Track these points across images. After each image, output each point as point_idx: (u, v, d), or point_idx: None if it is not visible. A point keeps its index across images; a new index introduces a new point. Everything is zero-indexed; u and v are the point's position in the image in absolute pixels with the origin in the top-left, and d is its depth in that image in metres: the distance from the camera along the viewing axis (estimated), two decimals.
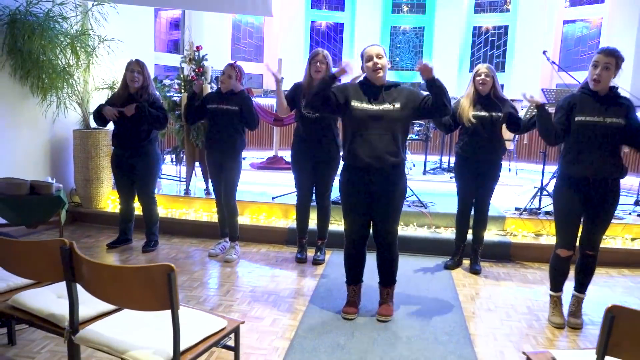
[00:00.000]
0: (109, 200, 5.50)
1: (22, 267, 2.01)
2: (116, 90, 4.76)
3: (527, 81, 8.47)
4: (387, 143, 3.05)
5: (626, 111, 3.06)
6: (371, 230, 3.31)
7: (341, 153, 4.32)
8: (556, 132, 3.15)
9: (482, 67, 3.99)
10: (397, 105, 3.08)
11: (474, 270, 4.25)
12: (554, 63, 5.24)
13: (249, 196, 5.37)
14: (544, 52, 5.33)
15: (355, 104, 3.10)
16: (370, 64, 3.11)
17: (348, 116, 3.13)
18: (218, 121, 4.21)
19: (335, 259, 4.43)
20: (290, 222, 5.05)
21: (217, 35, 8.29)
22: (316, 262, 4.33)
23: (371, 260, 3.41)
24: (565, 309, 3.39)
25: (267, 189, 5.78)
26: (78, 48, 4.90)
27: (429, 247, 4.68)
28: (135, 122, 4.27)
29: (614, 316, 1.48)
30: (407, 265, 4.29)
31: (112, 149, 4.50)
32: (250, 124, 4.21)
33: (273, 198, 5.35)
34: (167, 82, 6.01)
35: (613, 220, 4.44)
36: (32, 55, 4.66)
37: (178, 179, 6.19)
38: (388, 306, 3.34)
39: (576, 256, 3.33)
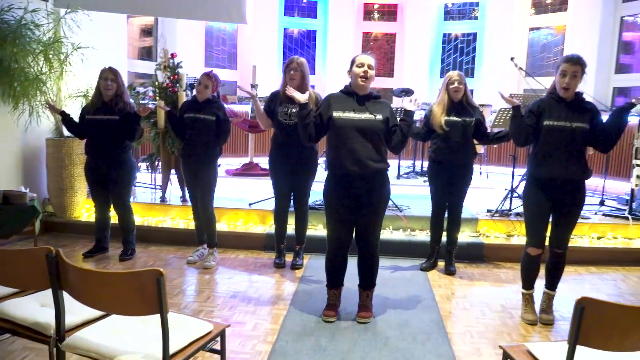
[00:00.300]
0: (83, 210, 5.45)
1: (6, 275, 2.00)
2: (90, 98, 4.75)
3: (496, 86, 8.68)
4: (370, 150, 3.12)
5: (591, 116, 3.21)
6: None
7: (319, 159, 4.41)
8: (527, 135, 3.28)
9: (455, 75, 4.11)
10: (379, 117, 3.16)
11: (449, 271, 4.36)
12: (522, 69, 5.40)
13: (225, 203, 5.38)
14: (512, 59, 5.49)
15: (337, 114, 3.16)
16: (360, 70, 3.16)
17: (331, 126, 3.20)
18: (194, 130, 4.23)
19: (313, 264, 4.48)
20: (267, 228, 5.09)
21: (190, 42, 8.29)
22: (295, 267, 4.37)
23: (349, 263, 3.47)
24: (537, 306, 3.52)
25: (243, 195, 5.80)
26: (51, 56, 4.85)
27: (404, 250, 4.77)
28: (108, 130, 4.26)
29: (584, 307, 1.58)
30: (384, 267, 4.36)
31: (86, 158, 4.47)
32: (220, 139, 4.25)
33: (250, 204, 5.38)
34: (140, 89, 6.00)
35: (580, 220, 4.63)
36: (4, 63, 4.61)
37: (153, 186, 6.16)
38: (367, 308, 3.41)
39: (546, 255, 3.46)
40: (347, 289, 3.57)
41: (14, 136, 5.02)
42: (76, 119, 4.44)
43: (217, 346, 2.15)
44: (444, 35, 9.67)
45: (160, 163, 5.67)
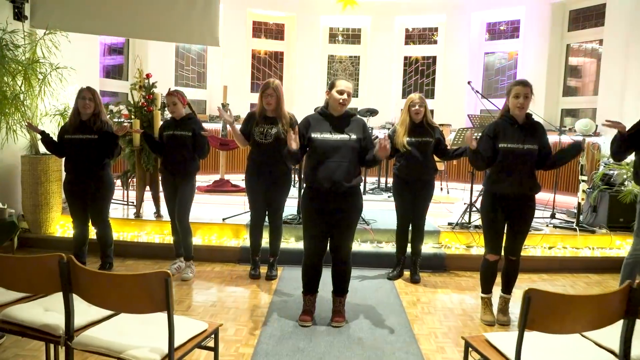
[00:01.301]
0: (57, 226, 5.53)
1: (18, 281, 2.17)
2: (67, 117, 4.90)
3: (455, 107, 9.19)
4: (345, 169, 3.40)
5: (540, 137, 3.58)
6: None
7: (293, 175, 4.67)
8: (487, 161, 3.63)
9: (415, 97, 4.44)
10: (354, 137, 3.46)
11: (414, 280, 4.67)
12: (478, 92, 5.84)
13: (199, 217, 5.52)
14: (469, 83, 5.93)
15: (315, 135, 3.44)
16: (340, 97, 3.42)
17: (310, 146, 3.47)
18: (173, 146, 4.46)
19: (287, 275, 4.72)
20: (241, 241, 5.29)
21: (161, 62, 8.45)
22: (269, 278, 4.60)
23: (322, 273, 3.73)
24: (495, 310, 3.86)
25: (216, 210, 5.99)
26: (30, 75, 4.97)
27: (372, 261, 5.06)
28: (87, 149, 4.37)
29: (530, 297, 1.90)
30: (353, 277, 4.58)
31: (65, 175, 4.54)
32: (199, 152, 4.49)
33: (224, 219, 5.58)
34: (113, 108, 6.13)
35: (533, 232, 5.06)
36: None
37: (125, 203, 6.28)
38: (341, 313, 3.67)
39: (502, 263, 3.80)
40: (320, 297, 3.82)
41: None
42: (55, 138, 4.55)
43: (211, 344, 2.37)
44: (405, 58, 10.15)
45: (135, 180, 5.81)
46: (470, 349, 2.29)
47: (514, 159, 3.55)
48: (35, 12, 5.56)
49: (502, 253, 3.77)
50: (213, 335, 2.35)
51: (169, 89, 4.59)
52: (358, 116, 3.64)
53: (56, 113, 5.34)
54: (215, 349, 2.37)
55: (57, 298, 2.41)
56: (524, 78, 3.68)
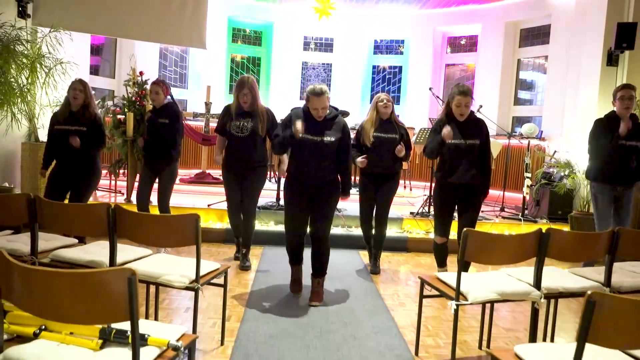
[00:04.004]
0: None
1: (70, 226, 2.72)
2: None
3: (419, 112, 9.98)
4: (324, 165, 3.82)
5: (480, 132, 4.12)
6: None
7: (268, 166, 5.09)
8: (437, 151, 4.16)
9: (383, 95, 4.89)
10: (332, 139, 3.84)
11: (374, 272, 4.86)
12: (438, 97, 6.60)
13: (184, 204, 6.08)
14: (430, 89, 6.69)
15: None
16: (316, 113, 3.77)
17: (294, 142, 3.84)
18: (155, 132, 4.87)
19: (268, 252, 5.32)
20: (226, 224, 5.86)
21: (146, 62, 8.92)
22: (244, 269, 4.76)
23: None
24: None
25: (199, 199, 6.55)
26: (38, 68, 5.46)
27: (344, 243, 5.72)
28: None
29: (467, 235, 2.58)
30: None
31: (55, 163, 4.67)
32: (174, 140, 4.84)
33: (209, 205, 6.15)
34: (109, 103, 6.63)
35: (484, 221, 5.74)
36: None
37: (113, 190, 6.77)
38: (319, 294, 3.96)
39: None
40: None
41: None
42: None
43: (221, 281, 2.96)
44: (374, 67, 10.93)
45: (127, 168, 6.32)
46: (424, 284, 2.96)
47: (458, 153, 4.05)
48: (37, 11, 6.04)
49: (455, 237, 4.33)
50: (223, 274, 2.94)
51: (157, 78, 5.06)
52: (339, 117, 3.96)
53: (57, 104, 5.81)
54: (224, 286, 2.96)
55: (94, 245, 2.98)
56: (466, 86, 4.16)
